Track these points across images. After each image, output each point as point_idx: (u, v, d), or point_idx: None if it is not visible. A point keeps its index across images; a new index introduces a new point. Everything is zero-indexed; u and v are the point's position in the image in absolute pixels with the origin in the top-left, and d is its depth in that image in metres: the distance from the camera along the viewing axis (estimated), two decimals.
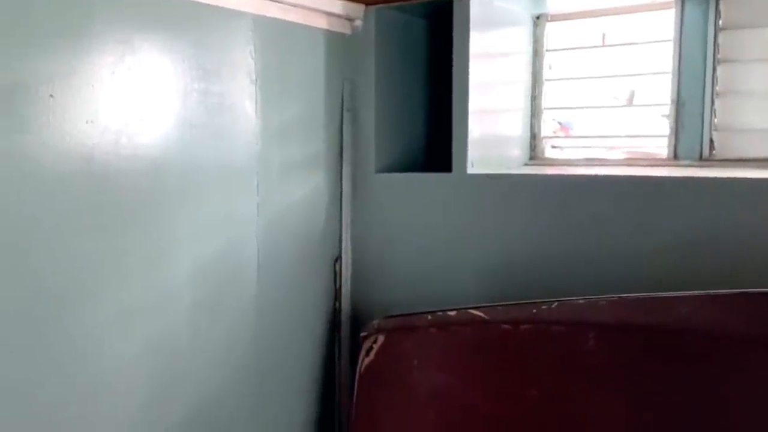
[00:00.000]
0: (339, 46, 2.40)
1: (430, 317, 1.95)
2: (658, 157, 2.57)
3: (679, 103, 2.42)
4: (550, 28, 2.75)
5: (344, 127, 2.44)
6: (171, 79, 1.79)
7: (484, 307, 1.87)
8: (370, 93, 2.45)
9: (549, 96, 2.78)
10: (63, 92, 1.51)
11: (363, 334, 2.07)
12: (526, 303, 1.85)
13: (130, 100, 1.67)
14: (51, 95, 1.48)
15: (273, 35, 2.12)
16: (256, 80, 2.06)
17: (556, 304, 1.78)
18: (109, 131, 1.62)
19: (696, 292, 1.68)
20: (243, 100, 2.04)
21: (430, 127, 2.76)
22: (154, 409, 1.79)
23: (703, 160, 2.39)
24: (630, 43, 2.78)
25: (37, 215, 1.48)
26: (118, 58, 1.63)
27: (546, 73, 2.76)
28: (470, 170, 2.36)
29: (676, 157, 2.45)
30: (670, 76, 2.44)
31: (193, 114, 1.86)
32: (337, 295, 2.49)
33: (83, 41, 1.56)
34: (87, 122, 1.57)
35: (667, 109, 2.47)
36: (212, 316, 1.97)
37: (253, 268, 2.11)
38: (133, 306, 1.71)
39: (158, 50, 1.75)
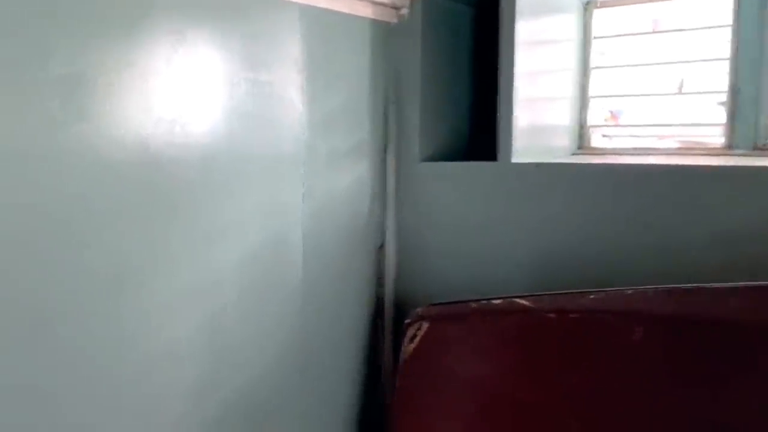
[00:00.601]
0: (385, 36, 2.40)
1: (474, 305, 1.95)
2: (712, 146, 2.50)
3: (735, 91, 2.34)
4: (599, 15, 2.70)
5: (389, 116, 2.46)
6: (221, 69, 1.83)
7: (529, 296, 1.86)
8: (415, 82, 2.45)
9: (599, 84, 2.73)
10: (120, 83, 1.55)
11: (407, 321, 2.09)
12: (573, 292, 1.84)
13: (182, 90, 1.71)
14: (109, 85, 1.53)
15: (320, 25, 2.14)
16: (303, 70, 2.09)
17: (603, 293, 1.75)
18: (163, 121, 1.67)
19: (749, 283, 1.64)
20: (290, 89, 2.06)
21: (476, 116, 2.75)
22: (203, 392, 1.84)
23: (758, 149, 2.32)
24: (681, 30, 2.70)
25: (94, 202, 1.52)
26: (172, 48, 1.67)
27: (595, 61, 2.71)
28: (515, 159, 2.35)
29: (730, 146, 2.38)
30: (722, 63, 2.37)
31: (241, 104, 1.90)
32: (380, 283, 2.51)
33: (140, 32, 1.60)
34: (142, 112, 1.61)
35: (721, 97, 2.40)
36: (259, 303, 2.01)
37: (298, 256, 2.15)
38: (184, 291, 1.76)
39: (209, 41, 1.79)
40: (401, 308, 2.49)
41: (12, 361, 1.38)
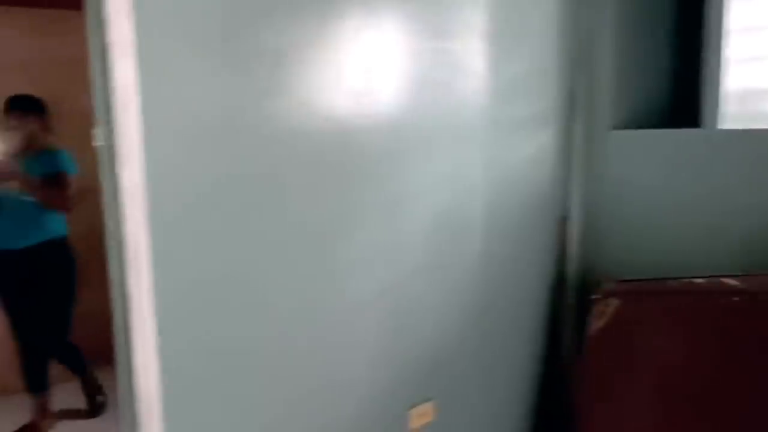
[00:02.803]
0: None
1: (673, 283, 1.80)
2: None
3: None
4: None
5: (578, 81, 2.32)
6: (407, 39, 1.84)
7: (739, 275, 1.67)
8: (607, 43, 2.28)
9: None
10: (319, 54, 1.63)
11: (595, 297, 1.98)
12: None
13: (370, 62, 1.76)
14: (310, 58, 1.61)
15: None
16: (487, 36, 2.04)
17: None
18: (353, 91, 1.73)
19: None
20: (474, 56, 2.03)
21: (676, 79, 2.50)
22: (387, 350, 1.91)
23: None
24: None
25: (292, 169, 1.63)
26: (361, 20, 1.72)
27: None
28: (723, 126, 2.10)
29: None
30: None
31: (426, 72, 1.90)
32: (562, 256, 2.41)
33: (331, 7, 1.66)
34: (333, 83, 1.68)
35: None
36: (440, 270, 2.03)
37: (478, 224, 2.13)
38: (372, 253, 1.83)
39: (396, 11, 1.81)
40: (584, 283, 2.38)
41: (229, 312, 1.54)
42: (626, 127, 2.33)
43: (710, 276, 1.74)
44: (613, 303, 1.90)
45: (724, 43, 2.10)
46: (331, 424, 1.80)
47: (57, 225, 2.84)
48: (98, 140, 1.39)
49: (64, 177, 2.78)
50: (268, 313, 1.62)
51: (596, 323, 1.92)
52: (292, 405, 1.70)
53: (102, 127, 1.37)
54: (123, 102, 1.33)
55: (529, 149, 2.24)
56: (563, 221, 2.39)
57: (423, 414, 2.02)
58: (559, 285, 2.42)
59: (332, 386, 1.79)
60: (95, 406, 3.13)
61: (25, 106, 2.82)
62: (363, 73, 1.74)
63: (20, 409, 3.03)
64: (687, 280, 1.77)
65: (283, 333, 1.66)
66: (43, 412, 2.95)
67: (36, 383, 2.93)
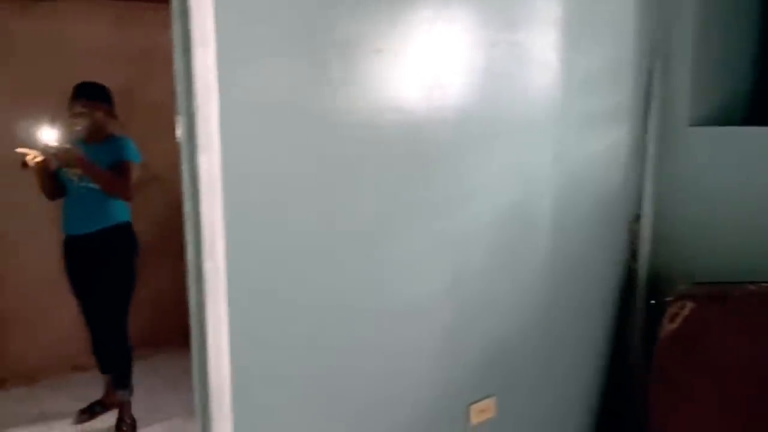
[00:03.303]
0: None
1: (753, 288, 1.72)
2: None
3: None
4: None
5: (654, 74, 2.24)
6: (480, 31, 1.83)
7: None
8: (686, 35, 2.20)
9: None
10: (389, 46, 1.63)
11: (668, 299, 1.92)
12: None
13: (443, 53, 1.75)
14: (377, 50, 1.61)
15: None
16: (562, 28, 1.99)
17: None
18: (425, 82, 1.72)
19: None
20: (547, 49, 1.99)
21: (758, 75, 2.38)
22: (451, 345, 1.90)
23: None
24: None
25: (360, 159, 1.64)
26: (435, 12, 1.71)
27: None
28: None
29: None
30: None
31: (497, 64, 1.88)
32: (633, 256, 2.34)
33: None
34: (405, 75, 1.68)
35: None
36: (506, 264, 2.00)
37: (546, 221, 2.09)
38: (439, 243, 1.82)
39: (471, 2, 1.79)
40: (655, 284, 2.30)
41: (297, 299, 1.56)
42: (704, 123, 2.24)
43: None
44: (688, 306, 1.83)
45: None
46: (393, 418, 1.81)
47: (121, 211, 2.85)
48: (178, 127, 1.43)
49: (127, 166, 2.76)
50: (335, 301, 1.64)
51: (669, 325, 1.86)
52: (356, 397, 1.72)
53: (182, 114, 1.41)
54: (203, 90, 1.37)
55: (601, 145, 2.19)
56: (635, 220, 2.32)
57: (484, 410, 2.01)
58: (627, 285, 2.35)
59: (396, 380, 1.80)
60: (91, 412, 3.04)
61: (92, 94, 2.82)
62: (433, 65, 1.73)
63: (94, 385, 3.17)
64: (765, 284, 1.68)
65: (350, 323, 1.67)
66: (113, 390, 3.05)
67: (105, 363, 3.02)
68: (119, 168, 2.74)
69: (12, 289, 3.35)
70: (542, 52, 1.98)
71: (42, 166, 2.66)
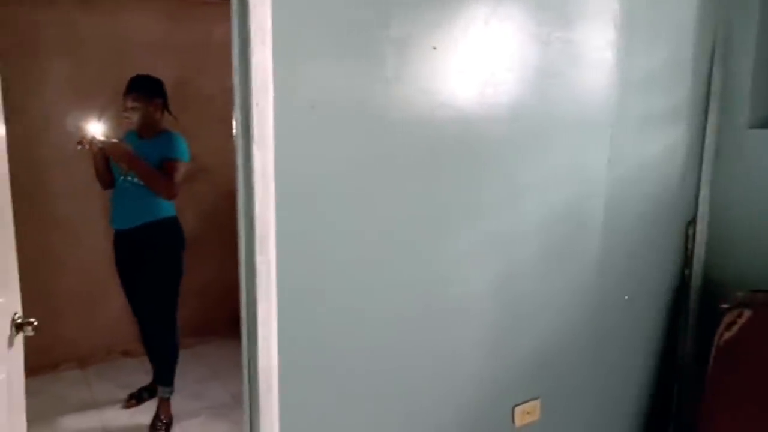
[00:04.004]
0: None
1: None
2: None
3: None
4: None
5: (714, 75, 2.17)
6: (535, 28, 1.80)
7: None
8: (749, 34, 2.13)
9: None
10: (443, 43, 1.62)
11: (724, 306, 1.86)
12: None
13: (497, 50, 1.73)
14: (434, 47, 1.61)
15: None
16: (621, 26, 1.95)
17: None
18: (478, 80, 1.71)
19: None
20: (603, 47, 1.95)
21: None
22: (498, 344, 1.89)
23: None
24: None
25: (413, 156, 1.64)
26: (491, 9, 1.69)
27: None
28: None
29: None
30: None
31: (552, 63, 1.85)
32: (687, 261, 2.28)
33: None
34: (460, 72, 1.67)
35: None
36: (555, 266, 1.98)
37: (598, 223, 2.05)
38: (488, 243, 1.81)
39: (526, 0, 1.76)
40: (709, 291, 2.24)
41: (346, 294, 1.57)
42: (764, 126, 2.16)
43: None
44: (745, 314, 1.77)
45: None
46: (438, 418, 1.81)
47: (165, 206, 2.78)
48: (233, 122, 1.45)
49: (174, 165, 2.68)
50: (383, 300, 1.64)
51: (725, 334, 1.80)
52: (402, 397, 1.73)
53: (238, 109, 1.43)
54: (260, 86, 1.39)
55: (657, 146, 2.13)
56: (690, 223, 2.26)
57: (529, 412, 1.99)
58: (680, 290, 2.29)
59: (442, 380, 1.80)
60: (139, 398, 3.10)
61: (145, 88, 2.76)
62: (486, 62, 1.72)
63: (143, 371, 3.26)
64: None
65: (397, 322, 1.68)
66: None
67: (151, 355, 3.05)
68: (166, 165, 2.67)
69: (71, 275, 3.47)
70: (598, 51, 1.94)
71: (98, 148, 2.62)
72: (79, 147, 2.61)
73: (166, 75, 2.96)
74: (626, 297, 1.87)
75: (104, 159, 2.75)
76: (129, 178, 2.72)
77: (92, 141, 2.59)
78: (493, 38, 1.71)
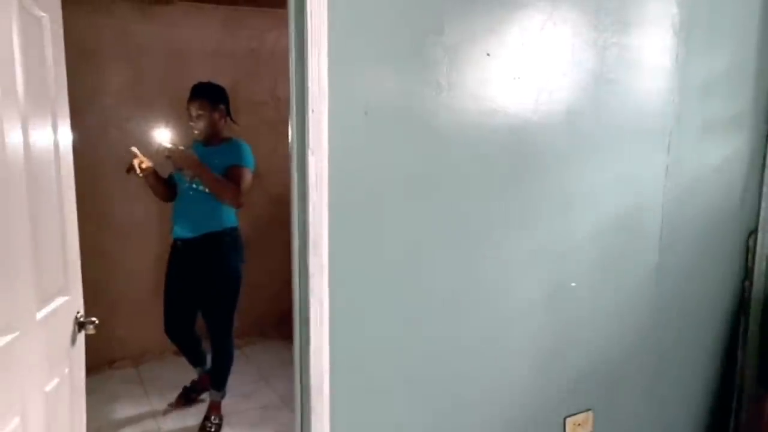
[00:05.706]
0: None
1: None
2: None
3: None
4: None
5: None
6: (591, 33, 1.77)
7: None
8: None
9: None
10: (497, 50, 1.61)
11: None
12: None
13: (552, 56, 1.71)
14: (487, 53, 1.60)
15: None
16: (680, 31, 1.90)
17: None
18: (532, 87, 1.69)
19: None
20: (661, 52, 1.90)
21: None
22: (550, 354, 1.86)
23: None
24: None
25: (464, 163, 1.63)
26: (547, 15, 1.67)
27: None
28: None
29: None
30: None
31: (609, 69, 1.82)
32: (748, 273, 2.19)
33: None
34: (514, 78, 1.65)
35: None
36: (610, 276, 1.93)
37: (655, 233, 2.00)
38: (540, 251, 1.79)
39: (582, 4, 1.74)
40: None
41: (396, 301, 1.58)
42: None
43: None
44: None
45: None
46: (490, 426, 1.79)
47: (228, 215, 2.76)
48: (290, 128, 1.47)
49: (241, 172, 2.64)
50: (432, 308, 1.64)
51: None
52: (452, 406, 1.71)
53: (294, 115, 1.45)
54: (315, 92, 1.40)
55: (717, 155, 2.07)
56: (752, 234, 2.17)
57: (580, 423, 1.95)
58: (740, 304, 2.21)
59: (493, 389, 1.78)
60: (187, 398, 3.13)
61: (210, 95, 2.73)
62: (541, 68, 1.70)
63: (193, 369, 3.32)
64: None
65: (446, 330, 1.67)
66: (206, 378, 3.15)
67: (194, 360, 3.08)
68: (233, 173, 2.63)
69: (124, 275, 3.57)
70: (656, 57, 1.90)
71: (148, 173, 2.64)
72: (128, 173, 2.64)
73: (220, 82, 3.01)
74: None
75: (154, 175, 2.74)
76: (194, 185, 2.70)
77: (159, 150, 2.58)
78: (548, 44, 1.69)
